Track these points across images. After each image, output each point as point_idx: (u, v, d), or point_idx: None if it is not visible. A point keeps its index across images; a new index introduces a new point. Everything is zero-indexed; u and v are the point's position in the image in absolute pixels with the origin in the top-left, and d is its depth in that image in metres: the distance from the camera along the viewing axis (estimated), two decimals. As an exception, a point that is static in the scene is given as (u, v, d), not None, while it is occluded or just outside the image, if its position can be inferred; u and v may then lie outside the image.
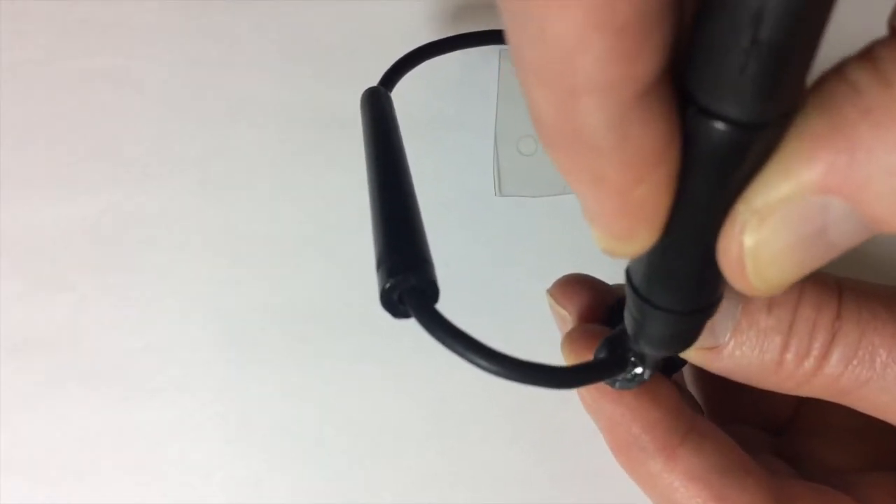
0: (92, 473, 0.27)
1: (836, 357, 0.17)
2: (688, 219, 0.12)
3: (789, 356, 0.17)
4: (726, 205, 0.12)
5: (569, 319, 0.20)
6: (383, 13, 0.28)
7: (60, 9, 0.27)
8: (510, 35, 0.10)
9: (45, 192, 0.27)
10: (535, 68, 0.10)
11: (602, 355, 0.18)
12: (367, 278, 0.28)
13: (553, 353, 0.22)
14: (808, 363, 0.17)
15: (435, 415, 0.28)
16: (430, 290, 0.16)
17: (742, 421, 0.23)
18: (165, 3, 0.27)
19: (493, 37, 0.26)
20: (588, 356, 0.19)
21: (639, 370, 0.18)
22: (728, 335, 0.17)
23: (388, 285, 0.16)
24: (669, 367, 0.20)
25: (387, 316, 0.27)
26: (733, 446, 0.19)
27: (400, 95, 0.27)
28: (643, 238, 0.12)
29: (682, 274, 0.14)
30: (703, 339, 0.17)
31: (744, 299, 0.17)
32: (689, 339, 0.16)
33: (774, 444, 0.23)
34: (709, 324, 0.16)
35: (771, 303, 0.17)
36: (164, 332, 0.28)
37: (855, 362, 0.17)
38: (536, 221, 0.28)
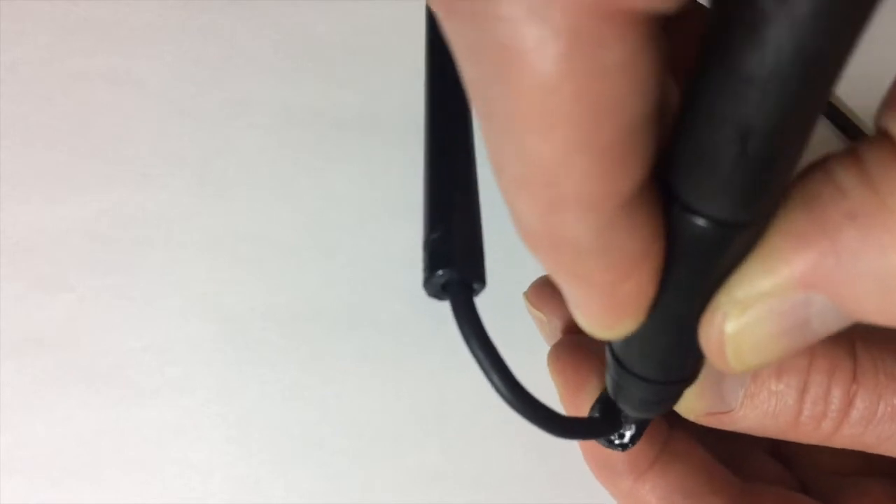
0: (92, 473, 0.27)
1: (854, 419, 0.16)
2: (670, 306, 0.13)
3: (804, 419, 0.17)
4: (708, 293, 0.12)
5: (545, 321, 0.21)
6: (383, 13, 0.28)
7: (60, 9, 0.27)
8: (489, 147, 0.10)
9: (45, 192, 0.27)
10: (515, 179, 0.10)
11: (596, 413, 0.18)
12: (366, 278, 0.28)
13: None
14: (826, 424, 0.17)
15: (435, 415, 0.28)
16: (475, 283, 0.16)
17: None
18: (165, 3, 0.27)
19: None
20: (575, 377, 0.19)
21: (625, 440, 0.18)
22: (739, 401, 0.17)
23: (436, 274, 0.16)
24: None
25: (386, 316, 0.28)
26: (706, 467, 0.19)
27: (411, 98, 0.27)
28: (627, 326, 0.13)
29: (663, 351, 0.14)
30: (714, 405, 0.17)
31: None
32: (667, 405, 0.16)
33: (771, 442, 0.23)
34: (718, 389, 0.17)
35: (780, 370, 0.17)
36: (163, 332, 0.28)
37: (875, 422, 0.16)
38: None
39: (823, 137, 0.28)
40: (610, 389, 0.17)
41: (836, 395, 0.17)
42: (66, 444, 0.27)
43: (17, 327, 0.27)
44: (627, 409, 0.17)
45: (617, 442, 0.18)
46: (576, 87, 0.09)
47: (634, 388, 0.16)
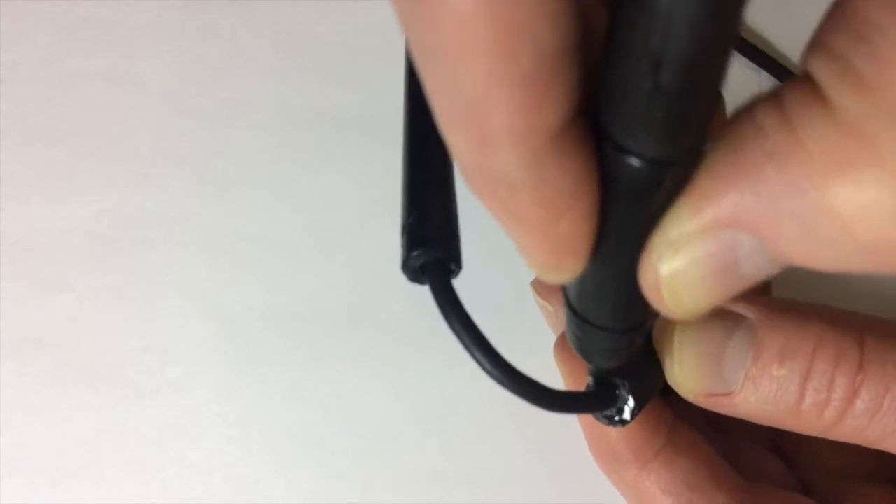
0: (92, 473, 0.27)
1: (859, 409, 0.16)
2: (610, 248, 0.13)
3: (805, 407, 0.16)
4: (645, 234, 0.12)
5: (552, 311, 0.21)
6: (383, 13, 0.28)
7: (60, 9, 0.27)
8: (425, 86, 0.10)
9: (45, 192, 0.27)
10: (448, 114, 0.10)
11: (592, 386, 0.18)
12: (366, 278, 0.28)
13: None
14: (829, 414, 0.16)
15: (435, 415, 0.28)
16: (452, 266, 0.16)
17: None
18: (165, 3, 0.27)
19: None
20: (579, 365, 0.19)
21: (624, 415, 0.18)
22: (739, 383, 0.17)
23: (412, 255, 0.16)
24: (665, 390, 0.19)
25: (386, 316, 0.28)
26: (710, 462, 0.19)
27: (400, 93, 0.27)
28: (570, 268, 0.13)
29: (611, 296, 0.14)
30: (714, 385, 0.17)
31: (753, 347, 0.17)
32: (627, 353, 0.16)
33: (776, 439, 0.23)
34: (719, 370, 0.16)
35: (784, 353, 0.16)
36: (163, 332, 0.28)
37: (880, 415, 0.16)
38: None
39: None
40: (573, 345, 0.17)
41: (841, 383, 0.16)
42: (66, 444, 0.27)
43: (17, 327, 0.27)
44: (594, 362, 0.17)
45: (616, 418, 0.18)
46: (490, 14, 0.09)
47: (593, 339, 0.16)
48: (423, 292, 0.28)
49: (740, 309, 0.17)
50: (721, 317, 0.17)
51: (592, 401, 0.18)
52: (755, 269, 0.12)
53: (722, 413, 0.18)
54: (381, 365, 0.28)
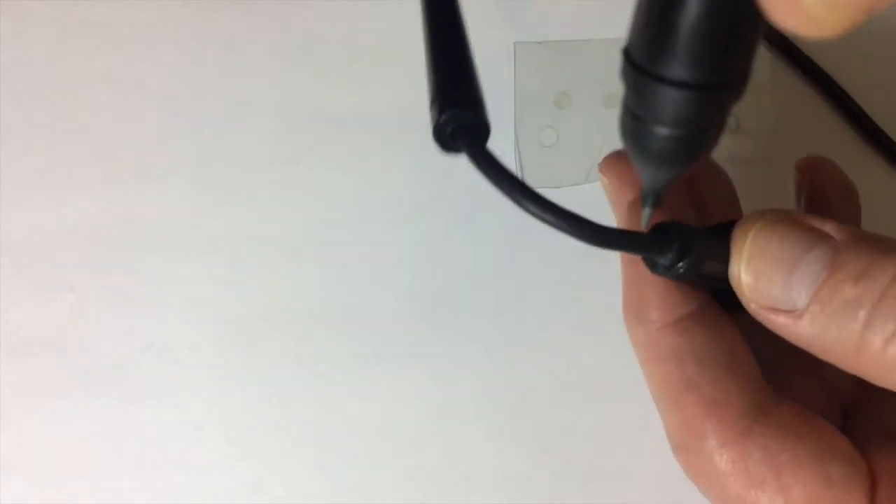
0: (92, 473, 0.27)
1: None
2: None
3: (872, 336, 0.15)
4: None
5: (612, 186, 0.20)
6: (383, 13, 0.28)
7: (60, 9, 0.27)
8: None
9: (45, 192, 0.27)
10: None
11: (644, 235, 0.17)
12: (366, 279, 0.28)
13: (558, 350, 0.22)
14: (894, 347, 0.15)
15: (435, 415, 0.28)
16: (482, 130, 0.16)
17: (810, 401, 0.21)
18: (165, 3, 0.27)
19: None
20: (626, 170, 0.18)
21: (679, 266, 0.16)
22: (807, 300, 0.16)
23: (442, 118, 0.15)
24: (731, 304, 0.18)
25: (386, 316, 0.27)
26: (733, 343, 0.18)
27: (410, 98, 0.27)
28: None
29: (700, 13, 0.10)
30: (779, 297, 0.16)
31: (831, 264, 0.15)
32: (699, 138, 0.13)
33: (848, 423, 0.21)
34: (788, 280, 0.15)
35: (861, 273, 0.15)
36: (163, 333, 0.28)
37: None
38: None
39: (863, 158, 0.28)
40: (628, 139, 0.13)
41: None
42: (66, 445, 0.27)
43: (17, 327, 0.27)
44: (648, 161, 0.14)
45: (665, 263, 0.16)
46: None
47: (659, 108, 0.12)
48: (424, 292, 0.28)
49: (827, 228, 0.16)
50: (804, 229, 0.16)
51: (641, 241, 0.16)
52: None
53: (780, 335, 0.17)
54: (381, 365, 0.28)
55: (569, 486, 0.28)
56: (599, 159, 0.20)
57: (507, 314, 0.28)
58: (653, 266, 0.17)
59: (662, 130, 0.12)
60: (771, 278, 0.16)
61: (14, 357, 0.27)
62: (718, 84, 0.11)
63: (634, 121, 0.13)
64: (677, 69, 0.11)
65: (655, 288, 0.18)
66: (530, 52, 0.27)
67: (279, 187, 0.28)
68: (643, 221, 0.17)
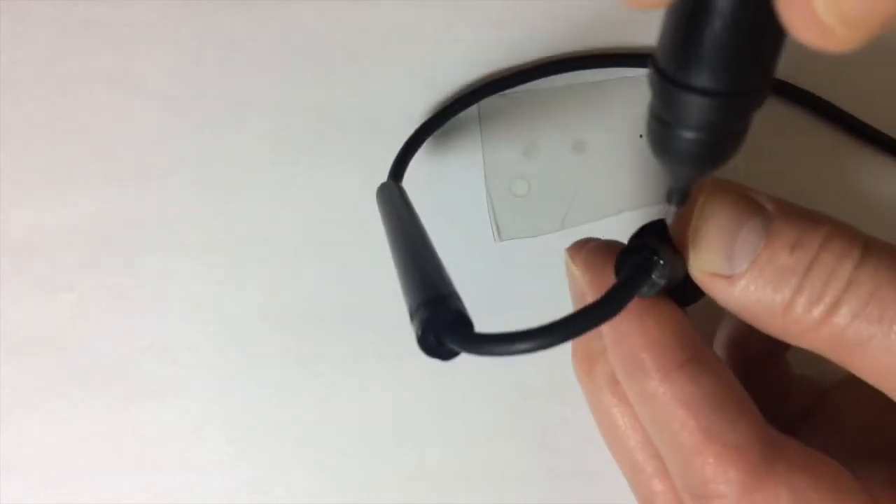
0: (92, 473, 0.27)
1: (845, 308, 0.16)
2: None
3: (801, 300, 0.17)
4: None
5: (578, 276, 0.20)
6: (383, 13, 0.28)
7: (60, 9, 0.27)
8: None
9: (45, 192, 0.27)
10: None
11: (624, 271, 0.18)
12: (366, 279, 0.28)
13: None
14: (818, 310, 0.17)
15: (435, 414, 0.28)
16: (463, 320, 0.16)
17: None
18: (165, 3, 0.27)
19: (477, 96, 0.27)
20: (601, 265, 0.19)
21: (659, 277, 0.17)
22: (746, 265, 0.17)
23: (420, 331, 0.16)
24: (685, 296, 0.19)
25: (386, 316, 0.27)
26: (736, 386, 0.19)
27: (411, 98, 0.27)
28: None
29: (724, 27, 0.11)
30: (721, 264, 0.17)
31: (768, 233, 0.17)
32: (724, 142, 0.13)
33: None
34: (730, 246, 0.17)
35: (796, 242, 0.17)
36: (163, 333, 0.28)
37: (863, 316, 0.16)
38: (537, 261, 0.28)
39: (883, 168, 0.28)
40: (652, 141, 0.14)
41: (838, 277, 0.16)
42: (67, 445, 0.27)
43: (17, 327, 0.27)
44: (675, 163, 0.14)
45: (652, 281, 0.17)
46: None
47: (686, 114, 0.12)
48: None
49: (761, 199, 0.18)
50: (741, 202, 0.17)
51: (634, 280, 0.17)
52: None
53: (719, 302, 0.18)
54: (381, 365, 0.28)
55: (569, 485, 0.28)
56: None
57: (506, 313, 0.28)
58: (644, 293, 0.18)
59: (688, 134, 0.13)
60: (713, 248, 0.17)
61: (14, 357, 0.27)
62: (741, 91, 0.12)
63: (661, 125, 0.13)
64: (702, 78, 0.11)
65: (647, 340, 0.18)
66: (494, 104, 0.27)
67: (279, 187, 0.28)
68: (669, 219, 0.17)
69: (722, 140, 0.13)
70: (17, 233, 0.27)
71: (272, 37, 0.27)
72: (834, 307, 0.16)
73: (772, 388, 0.24)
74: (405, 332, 0.28)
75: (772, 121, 0.28)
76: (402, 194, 0.24)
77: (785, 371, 0.25)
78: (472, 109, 0.28)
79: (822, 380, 0.25)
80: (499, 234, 0.28)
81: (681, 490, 0.20)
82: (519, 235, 0.28)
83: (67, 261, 0.28)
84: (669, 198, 0.16)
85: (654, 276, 0.18)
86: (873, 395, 0.18)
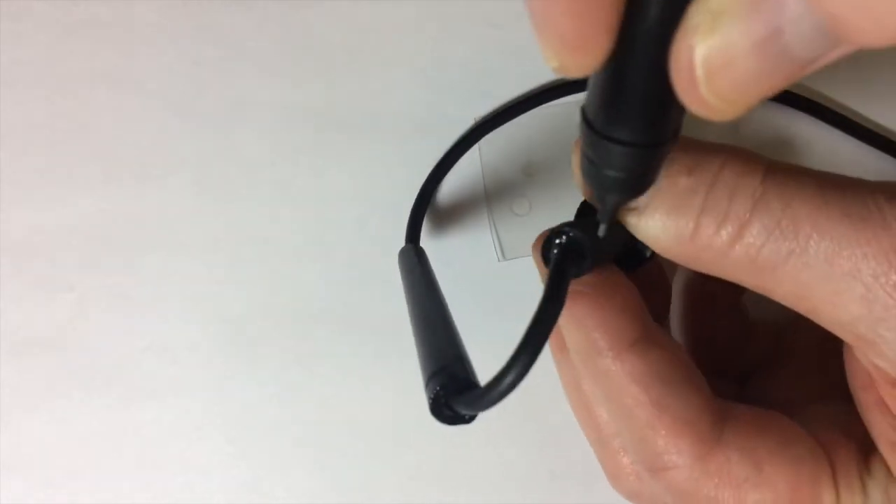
0: (92, 473, 0.27)
1: (757, 226, 0.16)
2: (640, 27, 0.11)
3: (706, 220, 0.16)
4: (680, 10, 0.11)
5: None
6: (383, 13, 0.28)
7: (60, 9, 0.27)
8: None
9: (45, 192, 0.27)
10: None
11: (555, 253, 0.18)
12: (366, 278, 0.28)
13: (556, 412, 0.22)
14: (726, 231, 0.16)
15: (435, 415, 0.28)
16: (466, 383, 0.16)
17: (714, 374, 0.23)
18: (165, 3, 0.27)
19: (473, 138, 0.27)
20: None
21: (585, 265, 0.18)
22: (649, 196, 0.17)
23: (431, 402, 0.16)
24: (634, 260, 0.20)
25: (386, 316, 0.27)
26: (685, 362, 0.19)
27: (411, 98, 0.27)
28: (594, 47, 0.12)
29: (638, 95, 0.13)
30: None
31: (665, 161, 0.16)
32: (641, 181, 0.16)
33: (739, 393, 0.23)
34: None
35: (693, 165, 0.16)
36: (164, 333, 0.28)
37: (777, 233, 0.16)
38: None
39: (879, 167, 0.28)
40: (585, 175, 0.16)
41: (742, 193, 0.16)
42: (67, 445, 0.27)
43: (17, 327, 0.27)
44: (606, 196, 0.16)
45: (581, 269, 0.18)
46: None
47: (610, 159, 0.15)
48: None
49: None
50: None
51: (567, 264, 0.17)
52: (803, 42, 0.11)
53: (640, 239, 0.18)
54: (381, 365, 0.28)
55: (568, 485, 0.28)
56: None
57: (506, 313, 0.28)
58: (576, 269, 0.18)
59: (611, 173, 0.15)
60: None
61: (14, 357, 0.27)
62: (653, 143, 0.14)
63: (590, 163, 0.15)
64: (621, 132, 0.14)
65: (599, 321, 0.18)
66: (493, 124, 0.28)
67: (279, 187, 0.28)
68: (601, 234, 0.18)
69: (640, 177, 0.15)
70: (17, 233, 0.27)
71: (272, 37, 0.27)
72: (744, 226, 0.16)
73: (730, 335, 0.25)
74: (405, 332, 0.28)
75: (771, 121, 0.28)
76: (421, 258, 0.24)
77: (742, 317, 0.25)
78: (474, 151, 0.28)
79: (776, 322, 0.25)
80: (503, 254, 0.28)
81: (638, 465, 0.20)
82: (521, 255, 0.28)
83: (67, 261, 0.28)
84: (601, 217, 0.17)
85: (579, 254, 0.18)
86: (818, 335, 0.18)
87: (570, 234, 0.18)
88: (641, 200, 0.17)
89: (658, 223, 0.17)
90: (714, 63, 0.11)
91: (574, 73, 0.12)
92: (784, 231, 0.16)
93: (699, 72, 0.11)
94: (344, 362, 0.28)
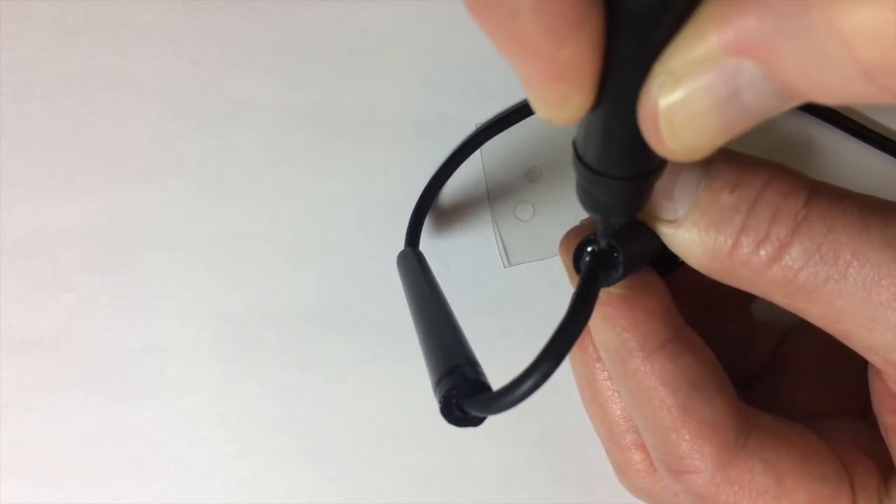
0: (92, 473, 0.27)
1: (797, 249, 0.16)
2: (616, 81, 0.12)
3: (746, 239, 0.16)
4: (650, 66, 0.12)
5: (576, 275, 0.21)
6: (383, 13, 0.28)
7: (60, 9, 0.27)
8: None
9: (45, 192, 0.27)
10: None
11: (586, 262, 0.18)
12: (366, 278, 0.28)
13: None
14: (765, 250, 0.16)
15: (435, 415, 0.28)
16: (478, 385, 0.17)
17: None
18: (165, 3, 0.27)
19: (475, 143, 0.27)
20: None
21: (618, 271, 0.18)
22: (687, 209, 0.17)
23: (442, 403, 0.16)
24: (668, 264, 0.20)
25: (386, 316, 0.27)
26: (713, 365, 0.19)
27: (411, 98, 0.27)
28: (576, 102, 0.12)
29: (619, 138, 0.14)
30: (664, 211, 0.17)
31: (708, 175, 0.17)
32: (637, 204, 0.16)
33: (743, 397, 0.23)
34: (670, 190, 0.17)
35: (736, 182, 0.16)
36: (163, 333, 0.28)
37: (817, 257, 0.16)
38: (547, 284, 0.28)
39: (880, 170, 0.28)
40: (582, 201, 0.17)
41: (785, 216, 0.16)
42: (66, 444, 0.27)
43: (17, 327, 0.27)
44: (604, 218, 0.17)
45: (611, 278, 0.18)
46: None
47: (602, 190, 0.15)
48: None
49: None
50: None
51: (595, 274, 0.17)
52: (759, 101, 0.11)
53: (673, 250, 0.18)
54: (381, 365, 0.28)
55: (569, 486, 0.28)
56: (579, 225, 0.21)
57: (506, 311, 0.28)
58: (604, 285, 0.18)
59: (604, 199, 0.16)
60: (656, 189, 0.17)
61: (14, 357, 0.27)
62: (640, 175, 0.15)
63: (584, 191, 0.16)
64: (610, 168, 0.15)
65: (629, 321, 0.18)
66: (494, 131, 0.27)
67: (279, 187, 0.28)
68: (603, 246, 0.18)
69: (630, 202, 0.16)
70: (17, 233, 0.27)
71: (272, 37, 0.27)
72: (784, 248, 0.16)
73: (737, 337, 0.25)
74: (405, 333, 0.28)
75: (771, 122, 0.28)
76: (420, 261, 0.24)
77: (749, 319, 0.25)
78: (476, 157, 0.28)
79: (779, 325, 0.25)
80: (508, 259, 0.28)
81: (657, 464, 0.20)
82: (526, 260, 0.28)
83: (67, 261, 0.28)
84: (601, 235, 0.18)
85: (611, 264, 0.18)
86: (821, 342, 0.18)
87: (603, 246, 0.18)
88: (679, 211, 0.17)
89: (695, 237, 0.17)
90: (675, 119, 0.12)
91: (560, 125, 0.13)
92: (824, 256, 0.16)
93: (663, 125, 0.12)
94: (344, 362, 0.28)
